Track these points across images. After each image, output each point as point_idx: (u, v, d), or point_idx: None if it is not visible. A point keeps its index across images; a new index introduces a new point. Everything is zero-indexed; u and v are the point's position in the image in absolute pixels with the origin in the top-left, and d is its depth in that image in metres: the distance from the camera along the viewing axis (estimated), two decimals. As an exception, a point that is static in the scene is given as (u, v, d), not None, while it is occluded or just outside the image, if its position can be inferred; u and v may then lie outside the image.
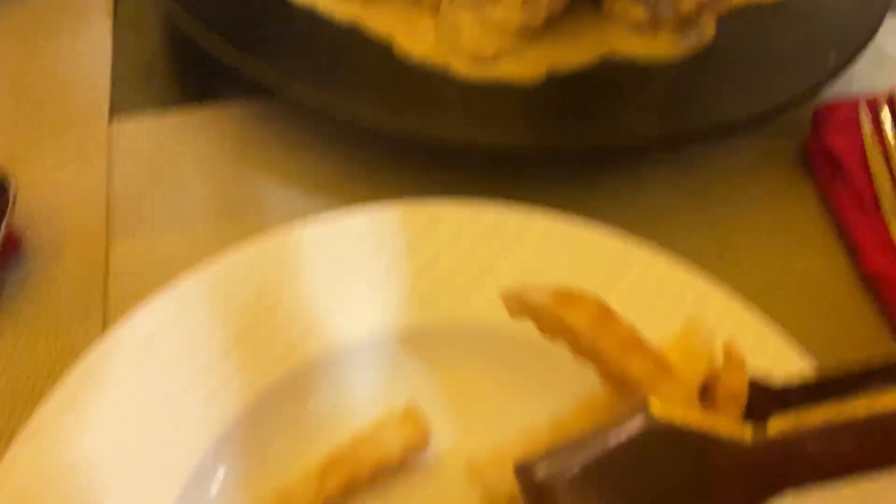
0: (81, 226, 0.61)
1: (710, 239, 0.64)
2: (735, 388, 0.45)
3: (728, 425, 0.37)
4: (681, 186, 0.67)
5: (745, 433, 0.37)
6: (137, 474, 0.45)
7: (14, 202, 0.56)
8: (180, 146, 0.68)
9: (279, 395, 0.49)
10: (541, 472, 0.37)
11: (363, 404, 0.51)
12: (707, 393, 0.43)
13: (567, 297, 0.43)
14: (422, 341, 0.52)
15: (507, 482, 0.42)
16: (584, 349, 0.44)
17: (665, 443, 0.37)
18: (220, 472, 0.47)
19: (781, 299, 0.59)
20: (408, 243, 0.55)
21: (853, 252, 0.63)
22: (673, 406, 0.38)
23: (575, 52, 0.69)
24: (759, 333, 0.52)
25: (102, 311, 0.57)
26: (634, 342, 0.42)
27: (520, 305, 0.44)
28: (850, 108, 0.68)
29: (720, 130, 0.64)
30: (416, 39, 0.69)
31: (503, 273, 0.55)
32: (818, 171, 0.67)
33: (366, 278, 0.54)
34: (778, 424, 0.37)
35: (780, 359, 0.51)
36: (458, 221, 0.57)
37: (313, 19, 0.70)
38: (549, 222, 0.57)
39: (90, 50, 0.74)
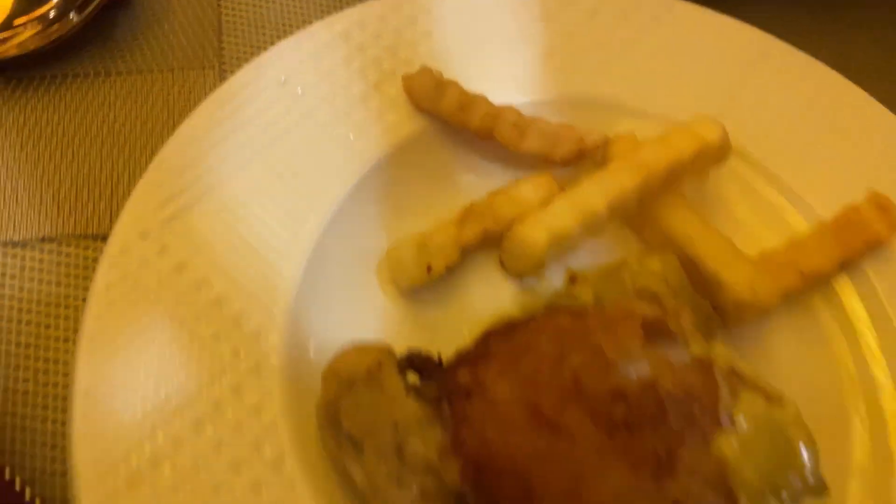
0: (192, -24, 0.59)
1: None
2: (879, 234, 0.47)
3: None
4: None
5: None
6: (283, 203, 0.44)
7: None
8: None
9: (418, 145, 0.48)
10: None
11: (496, 169, 0.50)
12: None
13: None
14: (554, 111, 0.51)
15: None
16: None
17: None
18: (361, 212, 0.46)
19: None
20: (543, 14, 0.53)
21: None
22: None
23: None
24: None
25: (218, 60, 0.55)
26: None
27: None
28: None
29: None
30: None
31: (641, 54, 0.53)
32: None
33: (500, 43, 0.52)
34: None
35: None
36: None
37: None
38: (688, 8, 0.54)
39: None
